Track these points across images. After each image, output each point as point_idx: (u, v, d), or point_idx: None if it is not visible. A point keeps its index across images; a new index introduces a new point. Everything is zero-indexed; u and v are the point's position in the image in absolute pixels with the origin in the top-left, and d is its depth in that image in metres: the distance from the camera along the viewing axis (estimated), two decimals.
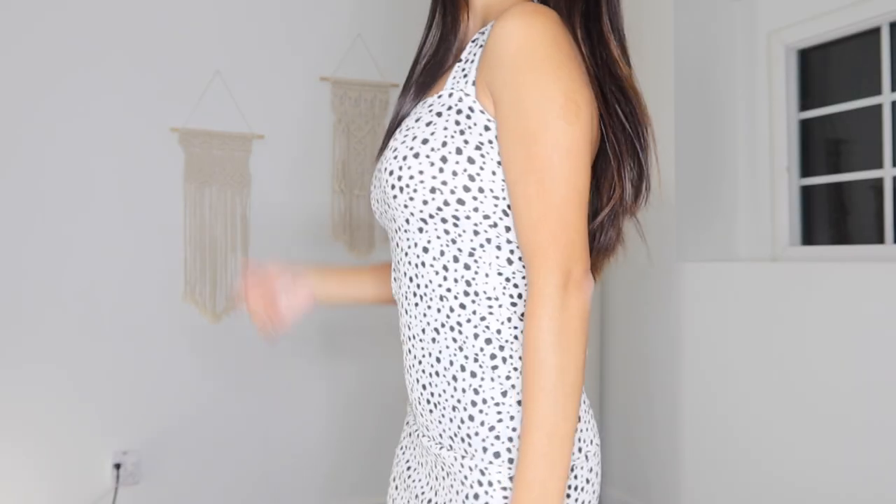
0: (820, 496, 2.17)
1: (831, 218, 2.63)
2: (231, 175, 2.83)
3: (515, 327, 0.92)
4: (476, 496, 0.90)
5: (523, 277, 0.93)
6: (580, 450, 0.92)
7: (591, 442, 0.95)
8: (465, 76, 0.93)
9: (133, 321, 2.69)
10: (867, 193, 2.48)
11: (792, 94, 2.66)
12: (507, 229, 0.91)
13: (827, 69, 2.62)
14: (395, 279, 1.01)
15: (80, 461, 2.62)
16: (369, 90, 3.02)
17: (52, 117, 2.59)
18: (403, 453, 1.09)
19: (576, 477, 0.91)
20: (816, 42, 2.57)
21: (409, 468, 1.06)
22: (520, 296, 0.92)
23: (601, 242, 1.02)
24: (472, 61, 0.93)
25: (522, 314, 0.92)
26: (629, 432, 2.93)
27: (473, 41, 0.96)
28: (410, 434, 1.07)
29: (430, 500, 0.98)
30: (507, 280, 0.92)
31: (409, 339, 0.98)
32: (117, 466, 2.64)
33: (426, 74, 1.02)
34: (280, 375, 2.91)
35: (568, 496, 0.90)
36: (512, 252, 0.92)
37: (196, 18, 2.79)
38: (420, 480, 1.02)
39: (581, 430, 0.93)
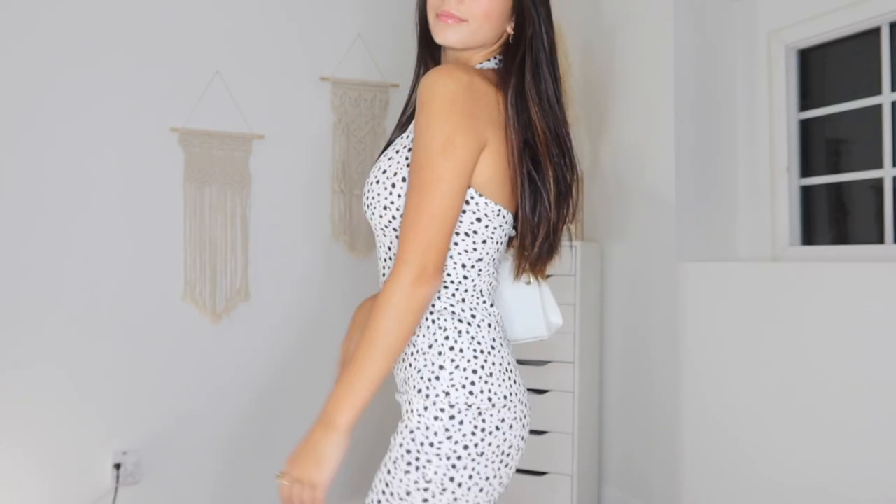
0: (820, 496, 2.17)
1: (831, 218, 2.63)
2: (231, 175, 2.83)
3: (445, 307, 1.21)
4: (401, 419, 1.23)
5: (453, 268, 1.22)
6: (489, 400, 1.17)
7: (508, 410, 1.19)
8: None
9: (133, 321, 2.69)
10: (867, 193, 2.48)
11: (792, 94, 2.66)
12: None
13: (827, 69, 2.62)
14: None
15: (80, 461, 2.62)
16: (369, 90, 3.02)
17: (53, 117, 2.59)
18: None
19: (483, 420, 1.17)
20: (816, 42, 2.57)
21: None
22: (451, 282, 1.22)
23: (541, 252, 1.26)
24: None
25: (451, 296, 1.22)
26: (629, 432, 2.93)
27: None
28: None
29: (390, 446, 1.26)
30: (448, 275, 1.24)
31: None
32: (117, 466, 2.64)
33: (406, 114, 1.34)
34: (280, 375, 2.91)
35: (474, 434, 1.16)
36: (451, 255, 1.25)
37: (196, 18, 2.79)
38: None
39: (498, 396, 1.18)
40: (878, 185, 2.40)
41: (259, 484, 2.88)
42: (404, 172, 1.19)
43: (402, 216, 1.17)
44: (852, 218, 2.58)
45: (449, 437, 1.15)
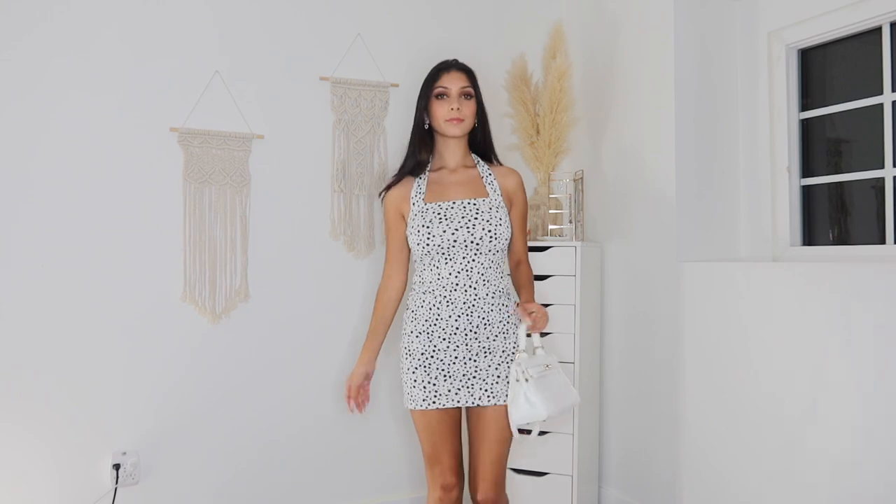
0: (820, 496, 2.17)
1: (832, 218, 2.63)
2: (231, 175, 2.82)
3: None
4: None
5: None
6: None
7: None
8: (496, 192, 2.18)
9: (133, 321, 2.69)
10: (868, 193, 2.48)
11: (792, 94, 2.66)
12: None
13: (827, 69, 2.62)
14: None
15: (80, 461, 2.62)
16: (369, 90, 3.02)
17: (52, 117, 2.59)
18: None
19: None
20: (817, 42, 2.57)
21: None
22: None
23: None
24: (494, 186, 2.20)
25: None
26: (628, 432, 2.93)
27: (484, 176, 2.23)
28: None
29: None
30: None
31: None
32: (117, 467, 2.63)
33: (394, 181, 2.28)
34: (279, 375, 2.91)
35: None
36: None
37: (196, 18, 2.79)
38: None
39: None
40: (878, 185, 2.40)
41: (259, 484, 2.88)
42: (505, 216, 2.17)
43: (513, 240, 2.21)
44: (853, 218, 2.57)
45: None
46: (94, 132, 2.64)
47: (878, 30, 2.37)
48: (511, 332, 2.12)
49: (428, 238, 2.09)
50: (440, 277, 2.11)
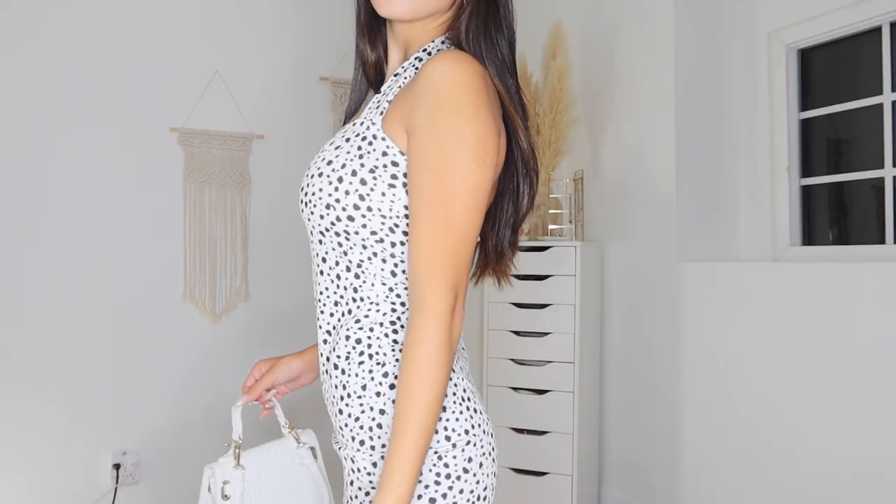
0: (820, 496, 2.17)
1: (832, 218, 2.63)
2: (231, 175, 2.82)
3: (386, 334, 1.00)
4: (351, 482, 1.01)
5: (405, 288, 1.01)
6: (454, 445, 0.98)
7: (479, 448, 1.01)
8: (378, 107, 1.03)
9: (133, 321, 2.69)
10: (868, 193, 2.48)
11: (792, 94, 2.66)
12: (393, 245, 1.00)
13: (827, 69, 2.62)
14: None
15: (80, 461, 2.62)
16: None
17: (52, 117, 2.59)
18: None
19: (446, 465, 0.97)
20: (816, 42, 2.57)
21: None
22: (402, 304, 1.02)
23: (503, 248, 1.10)
24: (387, 94, 1.03)
25: (397, 319, 1.01)
26: (628, 432, 2.93)
27: (395, 76, 1.06)
28: None
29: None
30: (390, 290, 1.01)
31: (324, 342, 1.07)
32: (117, 466, 2.63)
33: (352, 102, 1.18)
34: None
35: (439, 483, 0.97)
36: (396, 265, 1.01)
37: (196, 19, 2.79)
38: None
39: (464, 433, 0.99)
40: (878, 185, 2.40)
41: None
42: (355, 165, 0.98)
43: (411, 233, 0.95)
44: (852, 218, 2.57)
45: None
46: (95, 132, 2.64)
47: (878, 30, 2.37)
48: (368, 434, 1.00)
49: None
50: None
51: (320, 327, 1.06)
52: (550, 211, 3.10)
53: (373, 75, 1.16)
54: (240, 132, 2.83)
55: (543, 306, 2.86)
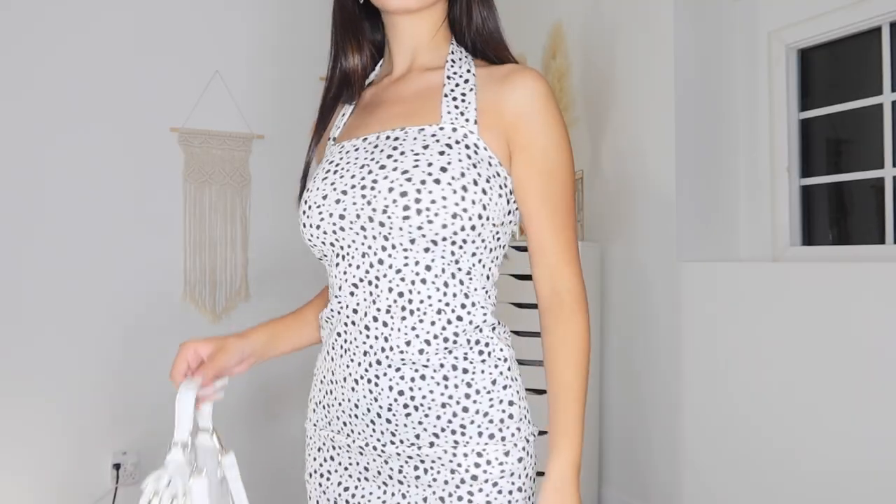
0: (820, 497, 2.17)
1: (832, 218, 2.63)
2: (231, 175, 2.83)
3: (497, 332, 1.10)
4: (474, 477, 1.03)
5: (494, 285, 1.11)
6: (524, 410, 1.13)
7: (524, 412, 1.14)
8: (463, 115, 1.04)
9: (133, 321, 2.69)
10: (868, 193, 2.48)
11: (792, 94, 2.66)
12: (491, 250, 1.07)
13: (827, 69, 2.62)
14: (352, 297, 1.07)
15: (80, 461, 2.62)
16: None
17: (52, 117, 2.59)
18: (328, 479, 1.15)
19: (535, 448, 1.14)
20: (816, 42, 2.57)
21: (346, 489, 1.12)
22: (493, 304, 1.11)
23: None
24: (466, 101, 1.06)
25: (494, 316, 1.10)
26: (628, 432, 2.93)
27: (448, 78, 1.09)
28: (333, 457, 1.15)
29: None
30: (487, 292, 1.09)
31: (383, 350, 1.04)
32: (117, 466, 2.63)
33: (326, 106, 1.23)
34: (279, 375, 2.91)
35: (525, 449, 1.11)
36: (490, 270, 1.09)
37: (196, 19, 2.79)
38: (373, 493, 1.10)
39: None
40: (878, 184, 2.40)
41: (259, 484, 2.88)
42: (473, 175, 1.00)
43: (529, 228, 1.10)
44: (853, 218, 2.57)
45: (530, 477, 1.10)
46: (95, 132, 2.64)
47: (878, 30, 2.37)
48: (475, 440, 1.05)
49: (305, 216, 1.15)
50: (335, 298, 1.11)
51: (417, 336, 1.03)
52: None
53: (353, 81, 1.18)
54: (240, 132, 2.83)
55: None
